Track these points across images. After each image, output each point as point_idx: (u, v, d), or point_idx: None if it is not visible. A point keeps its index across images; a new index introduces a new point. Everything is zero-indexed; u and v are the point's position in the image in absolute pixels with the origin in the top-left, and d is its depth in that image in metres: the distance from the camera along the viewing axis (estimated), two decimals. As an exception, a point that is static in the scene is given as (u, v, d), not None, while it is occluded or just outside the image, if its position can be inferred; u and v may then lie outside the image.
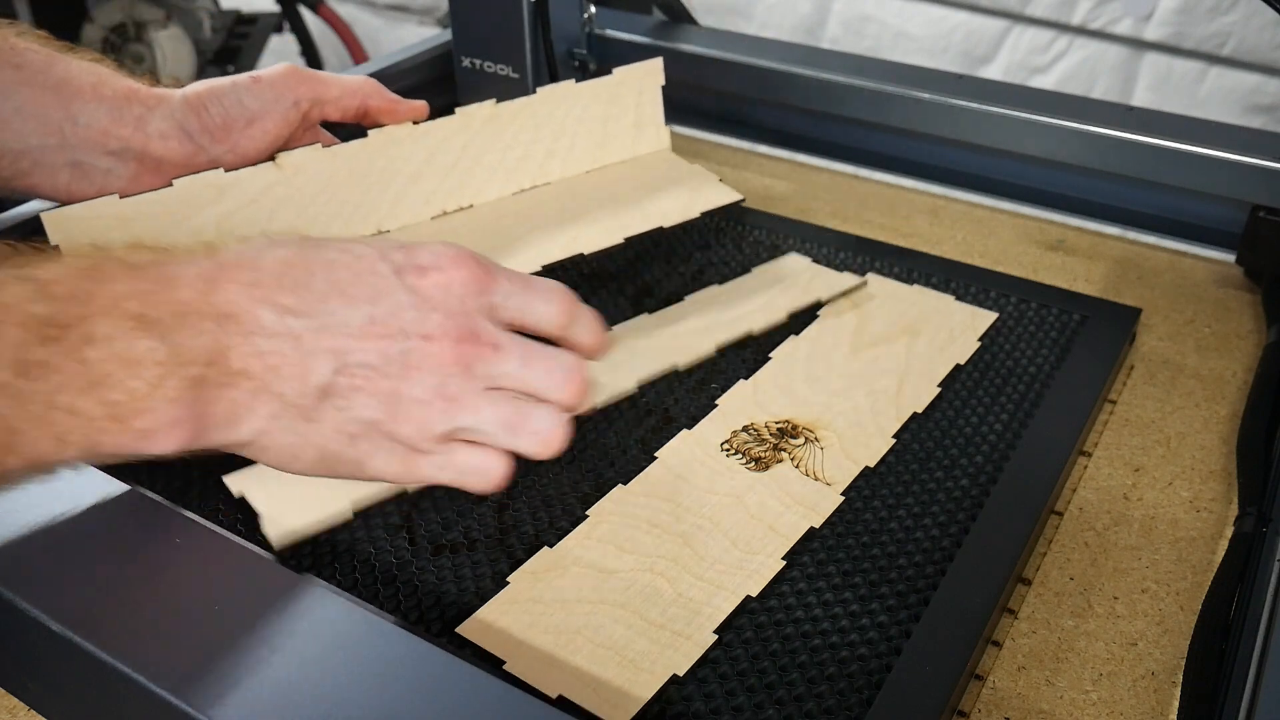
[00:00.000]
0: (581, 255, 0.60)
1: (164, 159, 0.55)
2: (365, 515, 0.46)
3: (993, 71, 1.66)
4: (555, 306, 0.43)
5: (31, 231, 0.58)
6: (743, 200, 0.67)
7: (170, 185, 0.54)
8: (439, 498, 0.47)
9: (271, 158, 0.56)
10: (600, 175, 0.68)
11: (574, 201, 0.65)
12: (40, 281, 0.35)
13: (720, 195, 0.67)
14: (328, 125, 0.62)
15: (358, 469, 0.41)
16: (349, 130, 0.61)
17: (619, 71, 0.67)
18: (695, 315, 0.59)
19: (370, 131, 0.59)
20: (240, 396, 0.38)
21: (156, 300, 0.36)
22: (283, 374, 0.38)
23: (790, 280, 0.62)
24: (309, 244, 0.41)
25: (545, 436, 0.41)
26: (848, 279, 0.62)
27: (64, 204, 0.54)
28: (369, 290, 0.40)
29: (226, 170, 0.55)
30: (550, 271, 0.58)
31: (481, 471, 0.41)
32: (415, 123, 0.60)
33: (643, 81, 0.68)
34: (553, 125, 0.65)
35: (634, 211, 0.64)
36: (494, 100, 0.62)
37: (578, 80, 0.66)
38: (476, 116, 0.62)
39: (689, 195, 0.66)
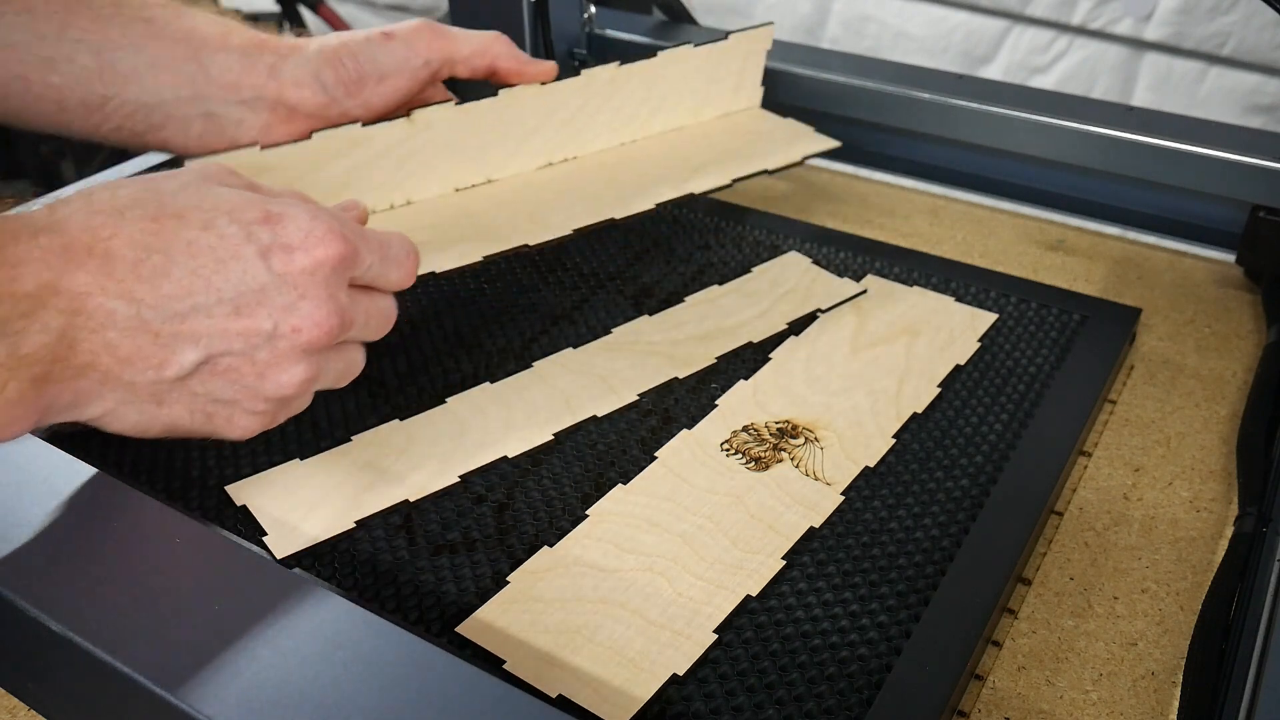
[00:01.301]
0: (692, 195, 0.62)
1: (297, 107, 0.55)
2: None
3: (993, 71, 1.66)
4: (404, 272, 0.46)
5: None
6: (839, 146, 0.69)
7: (309, 138, 0.55)
8: (439, 498, 0.47)
9: (407, 113, 0.57)
10: (697, 129, 0.70)
11: (676, 152, 0.67)
12: None
13: (817, 143, 0.69)
14: (451, 82, 0.63)
15: (206, 435, 0.42)
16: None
17: (734, 37, 0.68)
18: (695, 322, 0.59)
19: (501, 92, 0.60)
20: (87, 386, 0.37)
21: None
22: (136, 366, 0.38)
23: (790, 285, 0.62)
24: (164, 217, 0.38)
25: (355, 373, 0.46)
26: (847, 286, 0.62)
27: (196, 156, 0.54)
28: (234, 278, 0.39)
29: (361, 123, 0.56)
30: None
31: (300, 410, 0.45)
32: (543, 83, 0.61)
33: (751, 45, 0.70)
34: (664, 85, 0.67)
35: (737, 158, 0.66)
36: (618, 62, 0.64)
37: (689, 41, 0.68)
38: (599, 78, 0.63)
39: (787, 144, 0.68)
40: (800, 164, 0.67)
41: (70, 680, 0.38)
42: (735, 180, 0.64)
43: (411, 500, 0.47)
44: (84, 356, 0.37)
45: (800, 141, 0.69)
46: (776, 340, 0.58)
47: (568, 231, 0.57)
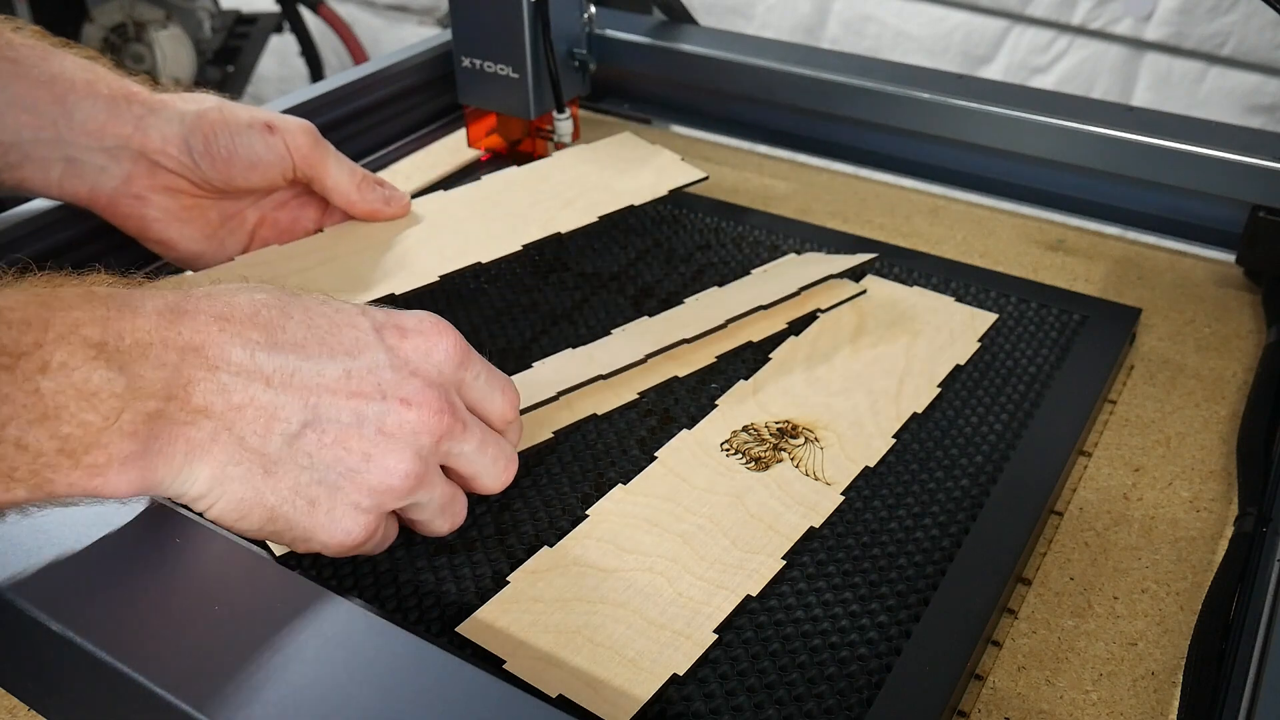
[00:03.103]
0: (559, 234, 0.62)
1: (159, 163, 0.54)
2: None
3: (993, 71, 1.66)
4: (508, 402, 0.44)
5: (33, 231, 0.58)
6: (706, 178, 0.69)
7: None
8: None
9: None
10: (563, 158, 0.70)
11: (544, 185, 0.66)
12: None
13: (684, 174, 0.69)
14: None
15: (303, 542, 0.39)
16: None
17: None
18: (695, 322, 0.59)
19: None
20: (198, 436, 0.36)
21: (117, 328, 0.35)
22: (247, 416, 0.37)
23: (790, 283, 0.62)
24: (288, 292, 0.40)
25: (458, 521, 0.43)
26: (847, 286, 0.62)
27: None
28: (347, 342, 0.39)
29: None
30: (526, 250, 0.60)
31: (389, 545, 0.43)
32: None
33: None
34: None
35: (604, 193, 0.66)
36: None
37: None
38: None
39: (654, 175, 0.68)
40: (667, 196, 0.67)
41: (70, 680, 0.38)
42: (601, 217, 0.63)
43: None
44: (198, 399, 0.36)
45: (667, 172, 0.69)
46: (776, 340, 0.58)
47: (433, 278, 0.57)
